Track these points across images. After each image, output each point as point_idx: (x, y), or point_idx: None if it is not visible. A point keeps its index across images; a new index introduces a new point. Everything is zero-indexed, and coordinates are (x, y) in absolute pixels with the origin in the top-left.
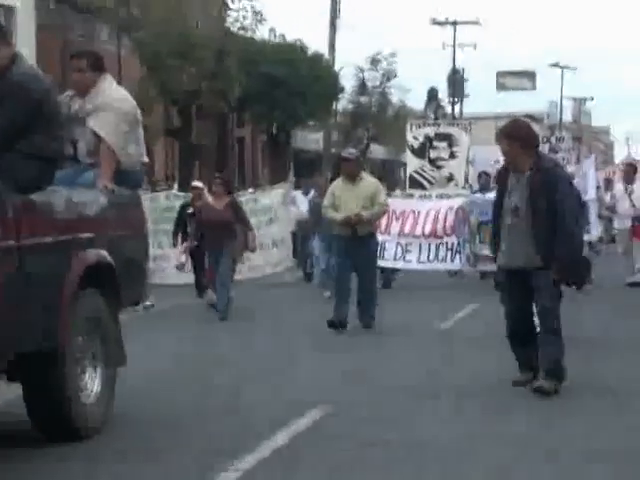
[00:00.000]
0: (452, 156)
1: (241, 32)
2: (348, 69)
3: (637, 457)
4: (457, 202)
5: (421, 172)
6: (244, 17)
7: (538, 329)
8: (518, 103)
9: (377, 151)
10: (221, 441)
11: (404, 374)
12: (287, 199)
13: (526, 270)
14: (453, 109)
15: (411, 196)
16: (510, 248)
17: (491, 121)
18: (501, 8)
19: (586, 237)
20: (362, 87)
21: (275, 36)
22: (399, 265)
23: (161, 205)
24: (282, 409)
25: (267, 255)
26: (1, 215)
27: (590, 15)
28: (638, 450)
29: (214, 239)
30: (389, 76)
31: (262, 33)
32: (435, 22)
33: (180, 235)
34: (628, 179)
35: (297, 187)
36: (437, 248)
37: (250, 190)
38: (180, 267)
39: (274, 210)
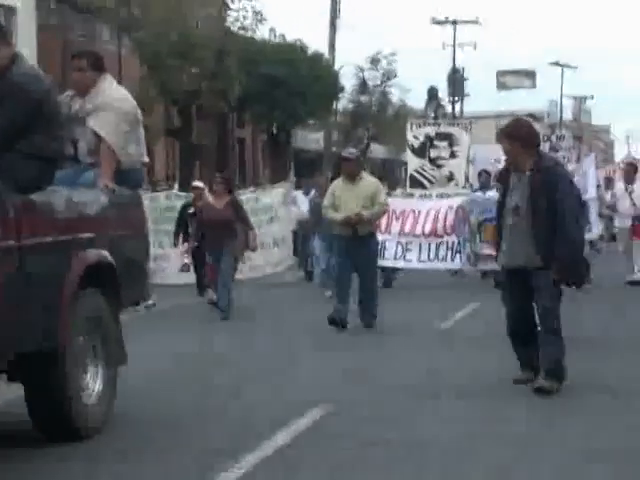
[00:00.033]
0: (452, 155)
1: (241, 32)
2: (348, 69)
3: (637, 457)
4: (457, 201)
5: (421, 171)
6: (244, 17)
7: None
8: (518, 102)
9: (377, 150)
10: (221, 441)
11: (404, 373)
12: (288, 199)
13: (527, 270)
14: (453, 108)
15: (411, 195)
16: (511, 248)
17: (491, 120)
18: (501, 7)
19: (587, 236)
20: (362, 86)
21: (275, 36)
22: (399, 264)
23: (161, 205)
24: (283, 408)
25: (268, 255)
26: (2, 215)
27: (590, 14)
28: (638, 450)
29: (215, 238)
30: (389, 75)
31: (262, 33)
32: (435, 21)
33: (181, 235)
34: (628, 179)
35: (298, 187)
36: (437, 247)
37: (251, 189)
38: (185, 269)
39: (275, 209)
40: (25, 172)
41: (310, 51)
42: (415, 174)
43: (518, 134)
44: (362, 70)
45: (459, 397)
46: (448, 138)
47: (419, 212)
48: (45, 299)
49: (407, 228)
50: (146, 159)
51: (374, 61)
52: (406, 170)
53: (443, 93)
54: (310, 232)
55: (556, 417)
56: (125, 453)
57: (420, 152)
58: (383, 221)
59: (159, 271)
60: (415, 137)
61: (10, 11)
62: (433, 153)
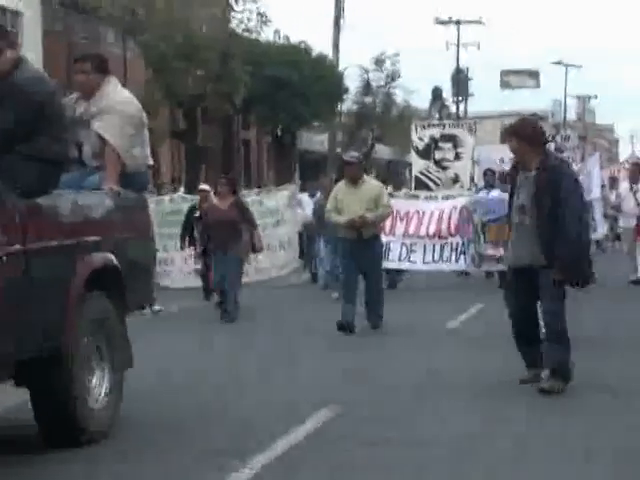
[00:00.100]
0: (457, 157)
1: (246, 34)
2: (352, 70)
3: (637, 457)
4: (460, 202)
5: (427, 173)
6: (248, 19)
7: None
8: (522, 102)
9: (382, 151)
10: (223, 442)
11: (406, 373)
12: (293, 201)
13: (532, 268)
14: (457, 108)
15: (416, 196)
16: (517, 246)
17: (496, 119)
18: (504, 7)
19: (592, 235)
20: (366, 88)
21: (279, 38)
22: (404, 266)
23: (166, 208)
24: (285, 409)
25: (274, 257)
26: (7, 219)
27: (593, 14)
28: (638, 450)
29: (219, 239)
30: (393, 76)
31: (267, 35)
32: (438, 22)
33: (187, 238)
34: (633, 178)
35: (303, 190)
36: (442, 248)
37: (255, 191)
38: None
39: (281, 212)
40: (26, 174)
41: (314, 52)
42: (420, 176)
43: (525, 132)
44: (366, 71)
45: (459, 397)
46: (452, 140)
47: (423, 213)
48: (51, 302)
49: (411, 229)
50: (151, 162)
51: (378, 62)
52: (411, 171)
53: (447, 93)
54: (315, 234)
55: (556, 417)
56: (127, 454)
57: (425, 154)
58: (387, 223)
59: (164, 275)
60: (420, 139)
61: (16, 16)
62: (438, 155)
